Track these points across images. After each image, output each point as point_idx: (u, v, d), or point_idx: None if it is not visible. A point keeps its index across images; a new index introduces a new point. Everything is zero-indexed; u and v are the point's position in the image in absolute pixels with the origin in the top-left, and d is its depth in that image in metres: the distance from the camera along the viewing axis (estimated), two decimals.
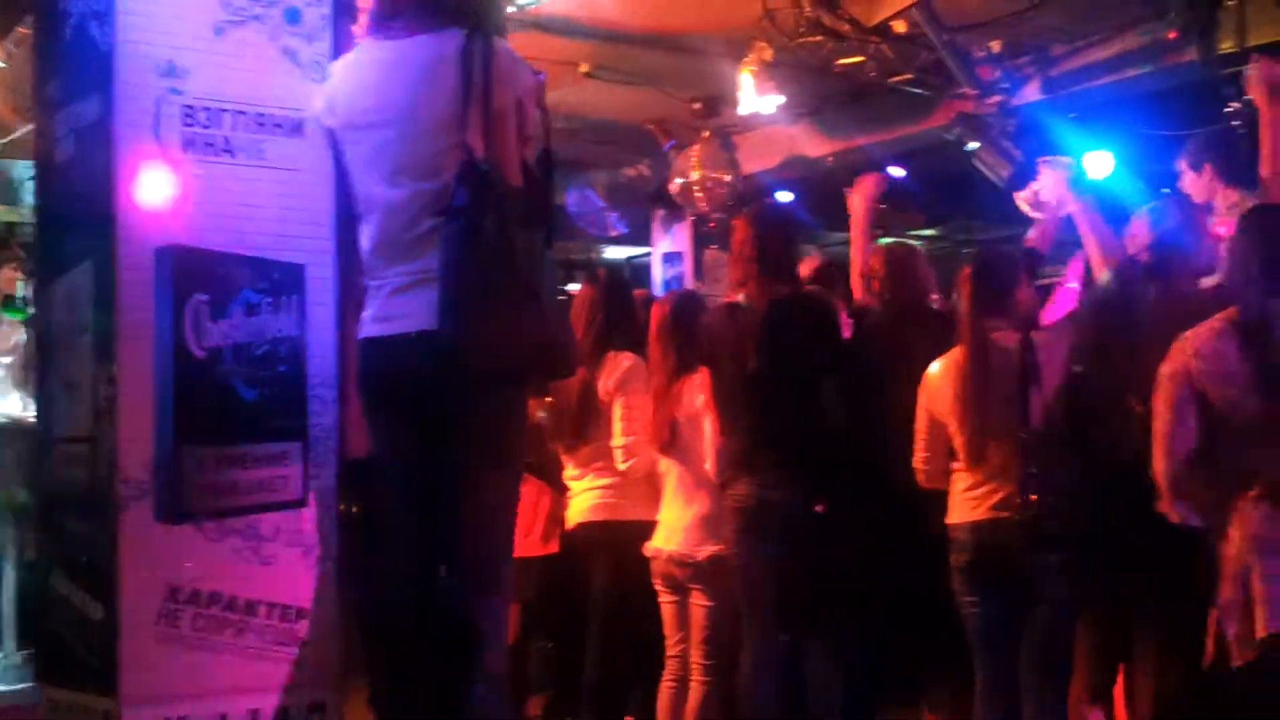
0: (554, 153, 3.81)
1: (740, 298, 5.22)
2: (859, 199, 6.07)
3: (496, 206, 3.53)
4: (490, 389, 3.63)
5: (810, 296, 5.33)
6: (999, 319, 4.81)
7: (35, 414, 4.23)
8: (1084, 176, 5.85)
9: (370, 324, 3.73)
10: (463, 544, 3.71)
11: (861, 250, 5.90)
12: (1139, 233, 5.07)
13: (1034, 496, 4.58)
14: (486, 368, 3.54)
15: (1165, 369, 4.24)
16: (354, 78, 3.80)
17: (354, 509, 4.10)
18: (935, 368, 4.92)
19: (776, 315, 5.10)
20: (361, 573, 4.16)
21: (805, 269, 5.99)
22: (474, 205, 3.51)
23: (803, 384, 5.08)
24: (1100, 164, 7.48)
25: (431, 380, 3.60)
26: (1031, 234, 5.73)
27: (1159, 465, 4.23)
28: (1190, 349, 4.17)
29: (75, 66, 3.91)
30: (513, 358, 3.58)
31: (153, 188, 3.71)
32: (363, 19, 4.00)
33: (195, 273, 3.72)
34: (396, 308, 3.66)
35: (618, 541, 5.55)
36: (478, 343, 3.48)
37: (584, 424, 5.63)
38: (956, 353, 4.85)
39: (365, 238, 3.77)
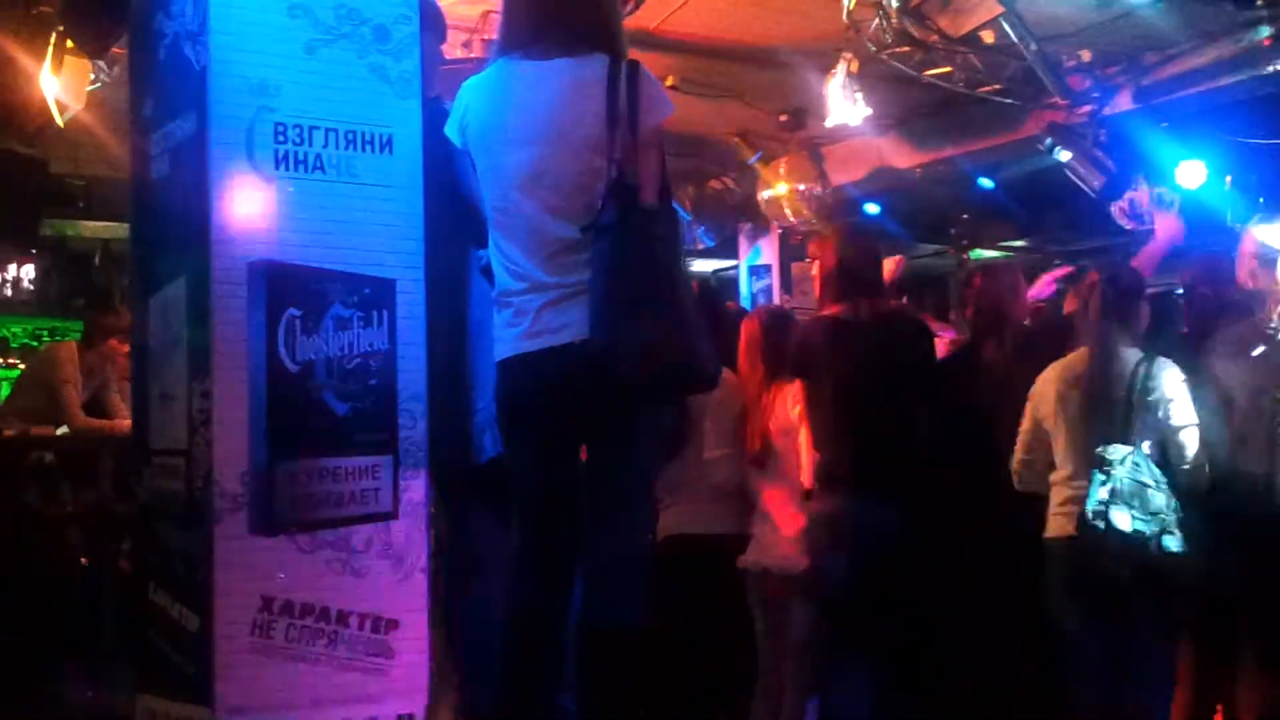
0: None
1: (838, 312, 5.18)
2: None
3: (643, 225, 3.62)
4: (642, 402, 3.71)
5: (909, 314, 5.31)
6: (1123, 330, 4.75)
7: (132, 426, 4.29)
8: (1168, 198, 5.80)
9: (521, 340, 3.77)
10: (610, 558, 3.77)
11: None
12: (1248, 245, 4.95)
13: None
14: (637, 379, 3.59)
15: None
16: (494, 96, 3.85)
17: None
18: (1050, 372, 4.86)
19: (880, 332, 5.08)
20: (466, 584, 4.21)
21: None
22: (623, 223, 3.60)
23: (901, 401, 5.05)
24: (1193, 173, 7.40)
25: (591, 391, 3.65)
26: (1138, 258, 5.67)
27: None
28: None
29: (170, 86, 3.96)
30: (661, 371, 3.61)
31: (246, 204, 3.75)
32: (474, 39, 4.02)
33: (288, 288, 3.76)
34: (553, 321, 3.71)
35: (709, 555, 5.53)
36: (630, 354, 3.54)
37: (676, 437, 5.63)
38: (1074, 359, 4.79)
39: (507, 255, 3.82)
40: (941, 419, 5.15)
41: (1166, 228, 5.76)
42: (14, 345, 10.99)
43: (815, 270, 5.32)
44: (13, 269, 10.53)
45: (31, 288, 10.71)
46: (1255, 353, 4.68)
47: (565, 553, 3.83)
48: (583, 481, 3.82)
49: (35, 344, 11.01)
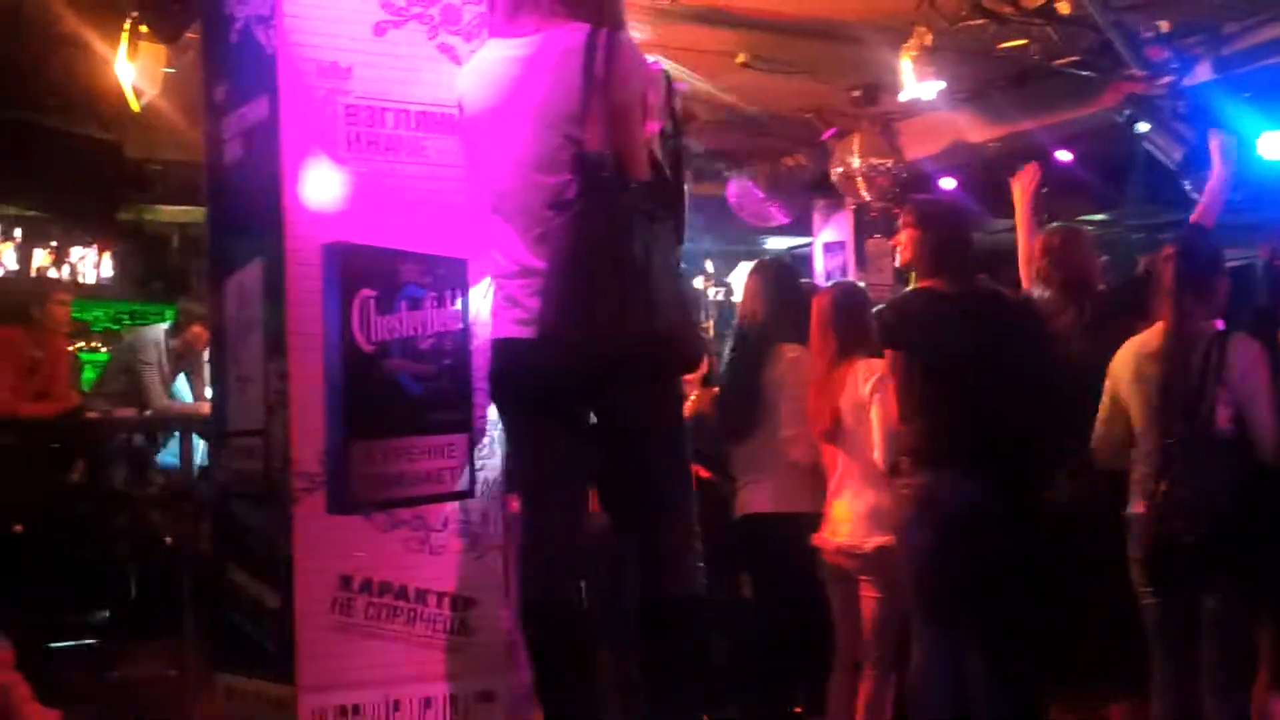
0: (685, 147, 3.79)
1: (934, 285, 5.11)
2: (1021, 188, 5.96)
3: (611, 199, 3.53)
4: (623, 385, 3.63)
5: (1004, 291, 5.26)
6: (1199, 304, 4.67)
7: (210, 408, 4.33)
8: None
9: (512, 325, 3.71)
10: (661, 534, 3.75)
11: (1028, 238, 5.79)
12: None
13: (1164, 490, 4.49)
14: (592, 362, 3.53)
15: None
16: (481, 76, 3.81)
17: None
18: (1127, 347, 4.80)
19: (982, 306, 5.04)
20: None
21: None
22: (584, 197, 3.52)
23: (998, 376, 4.97)
24: (1275, 145, 7.28)
25: (584, 378, 3.61)
26: (1195, 214, 5.58)
27: None
28: None
29: (242, 70, 4.00)
30: (620, 351, 3.52)
31: (319, 186, 3.78)
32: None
33: (361, 268, 3.78)
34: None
35: (785, 533, 5.52)
36: (582, 336, 3.47)
37: (752, 416, 5.62)
38: (1151, 334, 4.72)
39: (503, 236, 3.76)
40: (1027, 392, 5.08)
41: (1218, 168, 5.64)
42: (96, 329, 11.14)
43: (902, 239, 5.20)
44: (92, 254, 10.64)
45: (110, 272, 10.83)
46: None
47: (561, 537, 3.77)
48: (613, 468, 3.77)
49: (116, 327, 11.17)
